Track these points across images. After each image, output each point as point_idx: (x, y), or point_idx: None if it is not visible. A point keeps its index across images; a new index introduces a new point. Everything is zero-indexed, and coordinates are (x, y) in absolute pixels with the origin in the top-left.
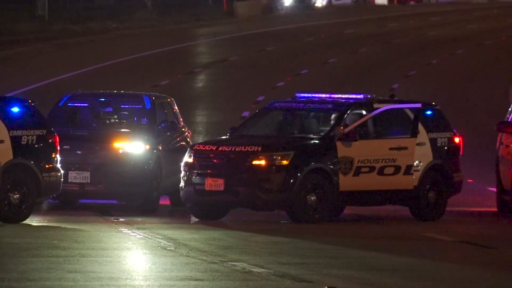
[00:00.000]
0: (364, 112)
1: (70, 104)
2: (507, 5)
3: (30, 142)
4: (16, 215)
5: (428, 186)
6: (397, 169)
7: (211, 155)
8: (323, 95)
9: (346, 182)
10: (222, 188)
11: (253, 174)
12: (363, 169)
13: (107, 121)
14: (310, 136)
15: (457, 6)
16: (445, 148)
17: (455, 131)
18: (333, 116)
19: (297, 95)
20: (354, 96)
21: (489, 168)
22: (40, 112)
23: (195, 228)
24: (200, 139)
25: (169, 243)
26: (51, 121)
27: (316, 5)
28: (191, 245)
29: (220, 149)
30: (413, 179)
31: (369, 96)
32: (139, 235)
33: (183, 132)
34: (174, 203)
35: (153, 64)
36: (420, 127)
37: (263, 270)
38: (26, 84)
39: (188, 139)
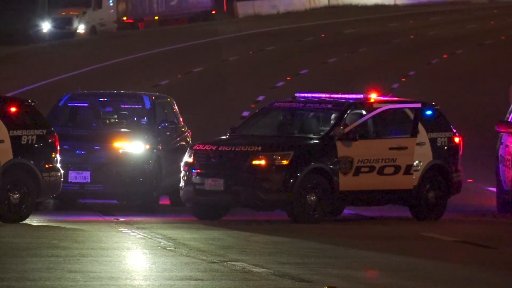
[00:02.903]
0: (364, 112)
1: (70, 104)
2: (507, 5)
3: (30, 142)
4: (16, 215)
5: (428, 186)
6: (397, 169)
7: (211, 155)
8: (323, 95)
9: (346, 182)
10: (222, 188)
11: (253, 174)
12: (363, 169)
13: (107, 121)
14: (310, 136)
15: (457, 6)
16: (445, 148)
17: (455, 131)
18: (333, 116)
19: (297, 95)
20: (354, 96)
21: (489, 168)
22: (40, 112)
23: (195, 228)
24: (199, 139)
25: (169, 243)
26: (51, 121)
27: (78, 31)
28: (191, 245)
29: (220, 149)
30: (413, 179)
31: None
32: (139, 235)
33: (183, 132)
34: (174, 203)
35: (153, 64)
36: (420, 127)
37: (263, 270)
38: (26, 84)
39: (188, 139)
